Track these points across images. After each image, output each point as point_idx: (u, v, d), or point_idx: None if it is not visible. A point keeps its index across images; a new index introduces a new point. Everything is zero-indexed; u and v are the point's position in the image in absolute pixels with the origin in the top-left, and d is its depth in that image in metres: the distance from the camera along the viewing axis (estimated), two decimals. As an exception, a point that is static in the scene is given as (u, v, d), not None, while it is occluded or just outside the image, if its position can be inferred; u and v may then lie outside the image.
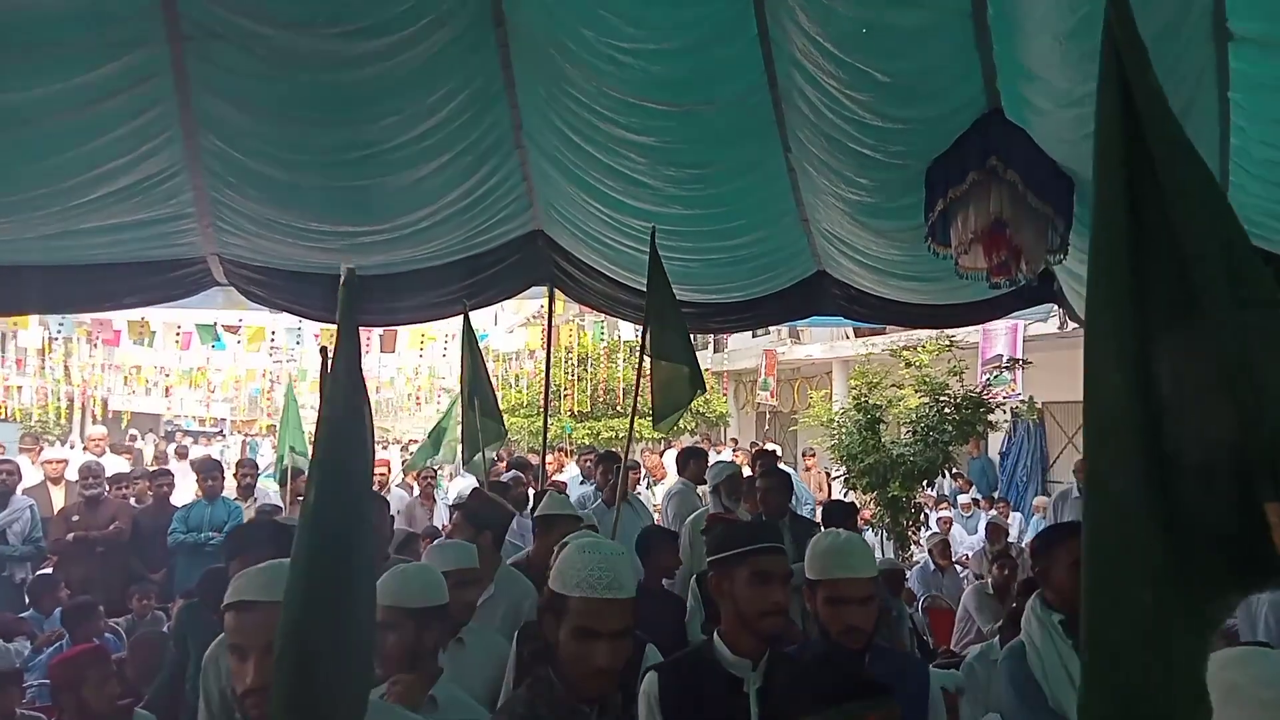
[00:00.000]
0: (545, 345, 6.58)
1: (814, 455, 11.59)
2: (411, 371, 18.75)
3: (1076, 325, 7.10)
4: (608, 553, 1.91)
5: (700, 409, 18.80)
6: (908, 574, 6.56)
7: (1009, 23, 3.22)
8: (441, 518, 7.79)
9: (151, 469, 8.46)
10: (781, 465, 7.86)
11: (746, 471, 6.56)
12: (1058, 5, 2.81)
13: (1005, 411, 10.13)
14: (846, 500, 7.14)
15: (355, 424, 1.52)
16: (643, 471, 10.11)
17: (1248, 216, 4.67)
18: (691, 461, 6.21)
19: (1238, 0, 3.10)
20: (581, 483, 8.08)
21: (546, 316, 6.88)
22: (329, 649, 1.35)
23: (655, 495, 8.14)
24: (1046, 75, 3.26)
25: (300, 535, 1.43)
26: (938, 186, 4.08)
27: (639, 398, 5.05)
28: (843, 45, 3.34)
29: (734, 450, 13.67)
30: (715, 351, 21.71)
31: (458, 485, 9.34)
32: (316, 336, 12.78)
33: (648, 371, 5.06)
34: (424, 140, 4.41)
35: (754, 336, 19.72)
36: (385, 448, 17.20)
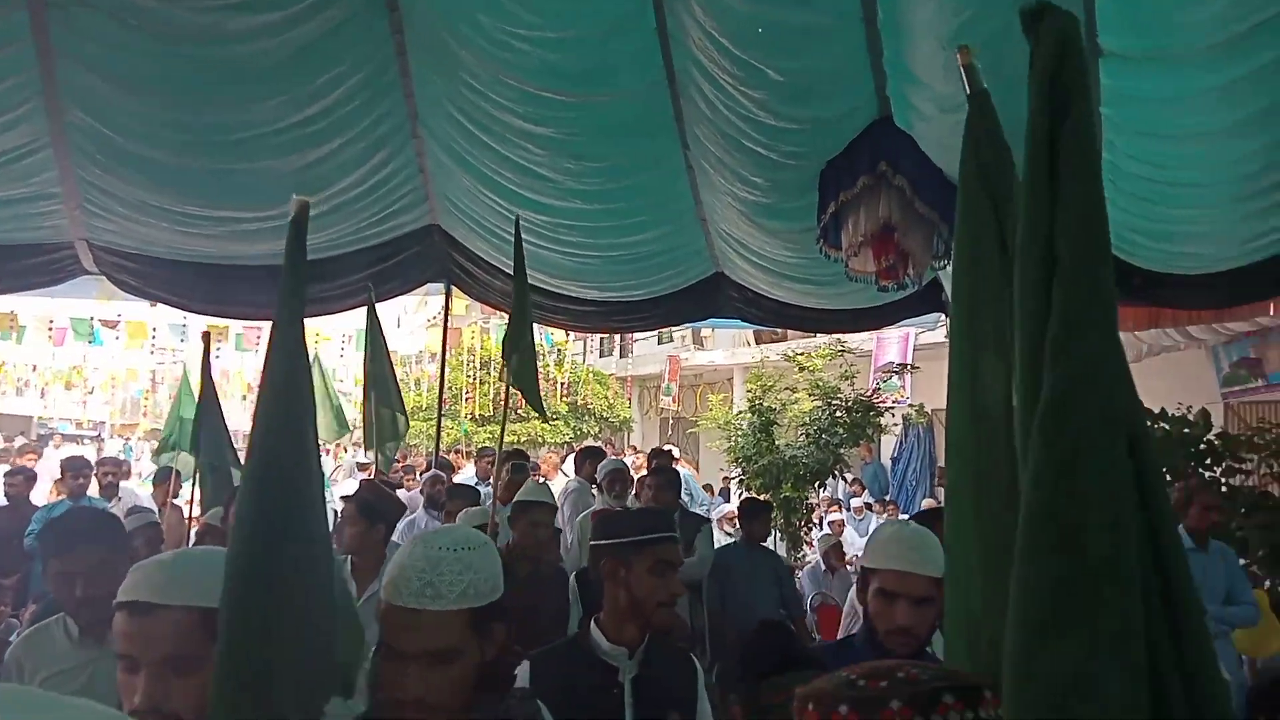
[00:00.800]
0: (441, 344, 6.42)
1: (678, 459, 11.68)
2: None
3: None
4: (438, 547, 1.45)
5: (604, 414, 18.81)
6: (798, 574, 6.66)
7: (896, 27, 3.31)
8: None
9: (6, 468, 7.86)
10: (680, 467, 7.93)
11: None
12: (940, 10, 2.89)
13: (895, 416, 10.46)
14: (761, 499, 7.22)
15: (297, 405, 1.35)
16: (540, 473, 10.03)
17: (1117, 233, 4.93)
18: (588, 461, 6.20)
19: (1107, 16, 3.25)
20: (478, 483, 7.92)
21: (443, 314, 6.73)
22: (278, 660, 1.24)
23: (545, 494, 8.07)
24: (930, 80, 3.36)
25: (237, 534, 1.30)
26: (830, 189, 4.16)
27: (509, 403, 4.93)
28: (738, 41, 3.37)
29: (635, 454, 13.70)
30: (620, 357, 21.76)
31: (348, 487, 9.05)
32: (205, 334, 12.15)
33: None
34: (311, 124, 4.25)
35: (659, 343, 19.87)
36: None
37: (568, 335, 17.45)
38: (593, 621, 2.18)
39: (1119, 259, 5.09)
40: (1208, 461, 5.63)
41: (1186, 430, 5.72)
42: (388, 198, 5.06)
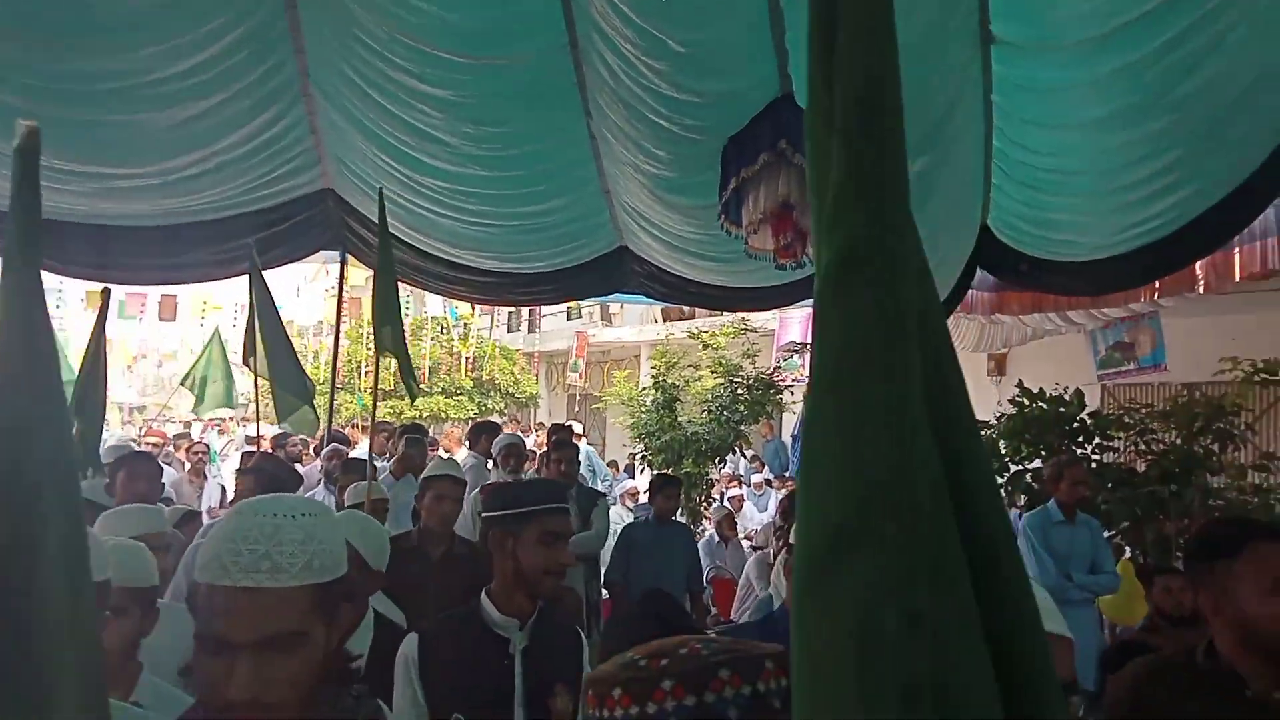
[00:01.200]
0: (336, 315, 6.20)
1: (578, 435, 11.74)
2: (196, 344, 17.38)
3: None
4: (273, 514, 1.22)
5: (510, 390, 18.64)
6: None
7: (798, 4, 3.32)
8: (211, 498, 7.21)
9: None
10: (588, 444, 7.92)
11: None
12: (839, -12, 2.91)
13: (795, 394, 10.69)
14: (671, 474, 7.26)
15: (39, 373, 1.17)
16: (440, 447, 9.88)
17: (1005, 220, 5.11)
18: (483, 436, 6.11)
19: (998, 3, 3.34)
20: (374, 459, 7.73)
21: (339, 283, 6.49)
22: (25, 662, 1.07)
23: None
24: (829, 59, 3.38)
25: None
26: (731, 165, 4.18)
27: (379, 376, 4.80)
28: (639, 9, 3.33)
29: (538, 431, 13.62)
30: (529, 332, 21.57)
31: (234, 464, 8.73)
32: (105, 291, 11.54)
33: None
34: (192, 76, 4.00)
35: (568, 319, 19.76)
36: (168, 423, 15.82)
37: (473, 309, 17.18)
38: (484, 593, 2.16)
39: (1007, 245, 5.28)
40: (1080, 439, 5.95)
41: (1062, 409, 6.02)
42: (276, 158, 4.84)
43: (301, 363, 7.23)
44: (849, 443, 0.63)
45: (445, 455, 9.65)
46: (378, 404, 16.42)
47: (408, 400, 16.21)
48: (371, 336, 16.96)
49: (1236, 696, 1.64)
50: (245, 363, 5.91)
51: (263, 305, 5.47)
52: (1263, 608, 1.60)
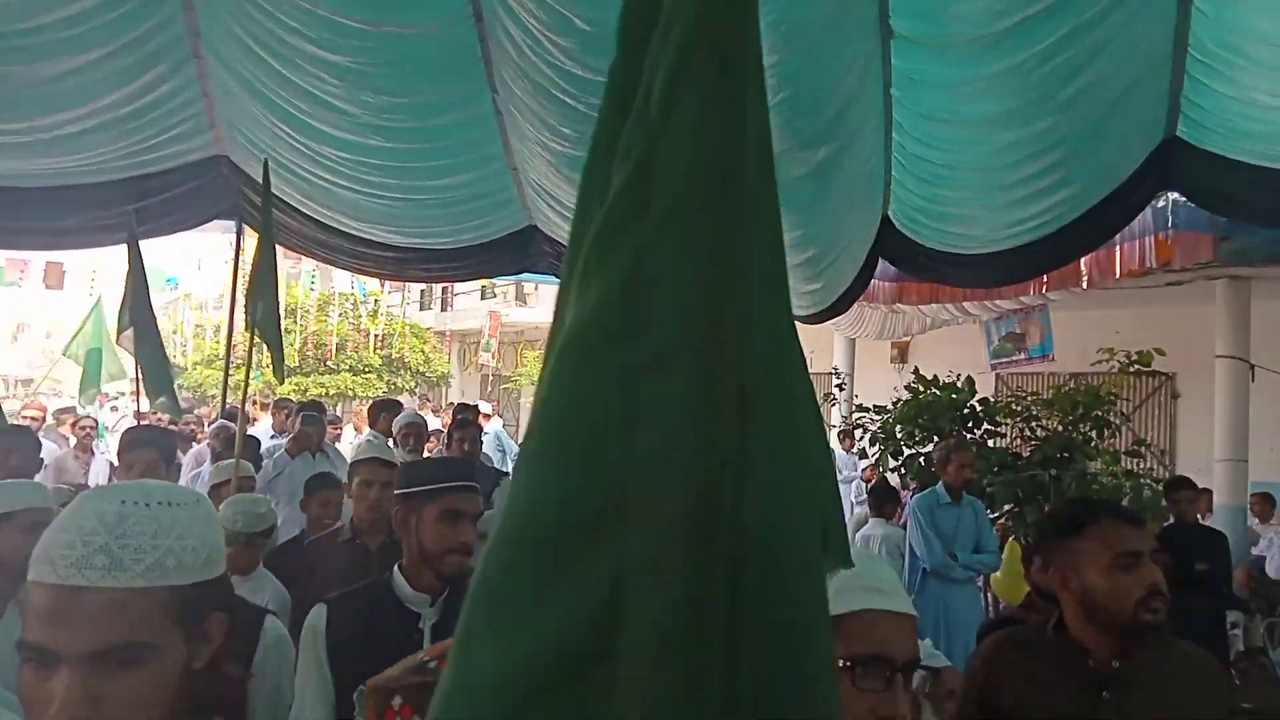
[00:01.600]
0: (231, 287, 5.95)
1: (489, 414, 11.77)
2: (87, 313, 16.53)
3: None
4: (121, 501, 1.03)
5: (421, 369, 18.33)
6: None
7: (702, -13, 3.32)
8: (99, 475, 6.88)
9: None
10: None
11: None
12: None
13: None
14: None
15: None
16: (344, 425, 9.66)
17: (905, 213, 5.25)
18: (383, 414, 6.00)
19: (897, -1, 3.41)
20: (272, 437, 7.52)
21: (234, 254, 6.24)
22: None
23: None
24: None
25: None
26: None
27: (254, 350, 4.70)
28: (543, -16, 3.28)
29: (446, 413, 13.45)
30: (441, 310, 21.22)
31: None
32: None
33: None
34: (70, 28, 3.77)
35: (482, 299, 19.51)
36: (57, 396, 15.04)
37: (383, 285, 16.82)
38: (396, 567, 2.15)
39: (907, 236, 5.42)
40: (970, 425, 6.20)
41: (955, 395, 6.26)
42: (165, 120, 4.61)
43: (166, 348, 6.93)
44: (569, 427, 0.51)
45: (358, 435, 9.44)
46: (251, 379, 15.94)
47: (310, 377, 15.79)
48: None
49: (1080, 665, 1.74)
50: (118, 340, 5.65)
51: (136, 280, 5.23)
52: (1102, 581, 1.69)
